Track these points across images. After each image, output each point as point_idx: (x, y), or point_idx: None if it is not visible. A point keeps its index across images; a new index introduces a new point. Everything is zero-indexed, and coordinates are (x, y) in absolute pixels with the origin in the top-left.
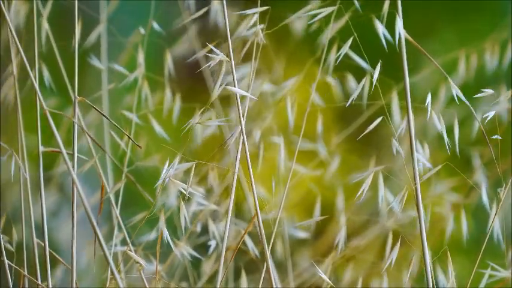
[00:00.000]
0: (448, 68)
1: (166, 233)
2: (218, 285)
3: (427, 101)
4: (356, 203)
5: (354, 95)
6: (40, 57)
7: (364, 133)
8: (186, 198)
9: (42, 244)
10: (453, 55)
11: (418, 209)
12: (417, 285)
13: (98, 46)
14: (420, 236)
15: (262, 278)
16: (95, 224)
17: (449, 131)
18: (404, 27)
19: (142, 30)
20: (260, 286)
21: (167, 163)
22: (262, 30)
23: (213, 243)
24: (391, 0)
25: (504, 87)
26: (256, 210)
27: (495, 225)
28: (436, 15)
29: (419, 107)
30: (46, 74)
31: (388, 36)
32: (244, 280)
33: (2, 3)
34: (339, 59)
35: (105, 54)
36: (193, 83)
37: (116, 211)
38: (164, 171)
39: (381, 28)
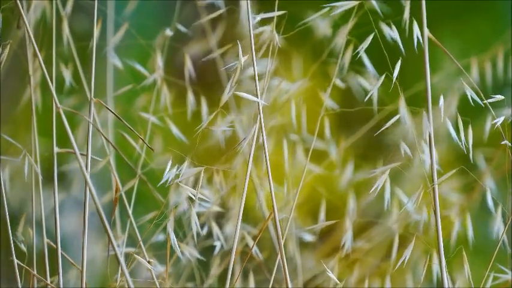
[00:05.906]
0: (456, 73)
1: (173, 238)
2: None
3: (440, 104)
4: (364, 203)
5: (371, 92)
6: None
7: (381, 130)
8: (194, 203)
9: (52, 244)
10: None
11: (435, 210)
12: (420, 285)
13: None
14: (436, 237)
15: (272, 278)
16: (107, 224)
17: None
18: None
19: (168, 32)
20: (270, 286)
21: (169, 166)
22: (278, 33)
23: (217, 244)
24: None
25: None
26: (273, 209)
27: (500, 229)
28: (436, 17)
29: (417, 110)
30: (66, 73)
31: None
32: (252, 281)
33: (19, 2)
34: (357, 57)
35: (111, 53)
36: (207, 85)
37: (129, 211)
38: (167, 173)
39: (387, 31)
